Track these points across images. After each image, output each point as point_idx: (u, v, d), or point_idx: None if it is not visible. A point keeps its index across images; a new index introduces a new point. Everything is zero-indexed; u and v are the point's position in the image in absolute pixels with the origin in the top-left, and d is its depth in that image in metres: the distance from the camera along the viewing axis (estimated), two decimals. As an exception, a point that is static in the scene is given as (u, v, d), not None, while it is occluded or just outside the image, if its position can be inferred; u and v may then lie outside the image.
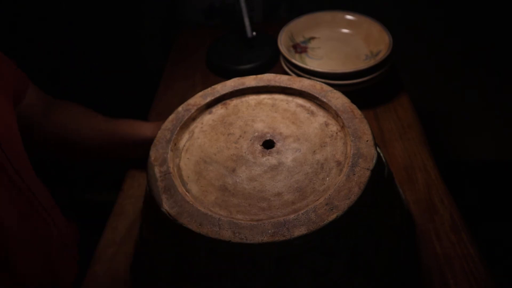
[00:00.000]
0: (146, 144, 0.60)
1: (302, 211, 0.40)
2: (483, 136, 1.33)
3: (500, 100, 1.25)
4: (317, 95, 0.52)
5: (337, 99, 0.51)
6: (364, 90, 0.73)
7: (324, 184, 0.44)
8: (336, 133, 0.49)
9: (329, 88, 0.53)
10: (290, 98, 0.54)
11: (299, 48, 0.81)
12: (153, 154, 0.48)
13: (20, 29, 1.00)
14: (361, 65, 0.73)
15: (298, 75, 0.73)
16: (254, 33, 0.87)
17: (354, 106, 0.50)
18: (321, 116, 0.52)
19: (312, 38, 0.83)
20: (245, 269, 0.40)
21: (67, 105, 0.65)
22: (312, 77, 0.71)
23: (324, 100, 0.51)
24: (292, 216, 0.40)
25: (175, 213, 0.41)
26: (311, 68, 0.71)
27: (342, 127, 0.49)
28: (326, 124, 0.51)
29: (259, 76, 0.56)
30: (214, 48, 0.90)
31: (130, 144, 0.64)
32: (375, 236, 0.43)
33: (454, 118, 1.30)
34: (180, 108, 0.53)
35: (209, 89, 0.55)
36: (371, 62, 0.72)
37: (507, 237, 1.17)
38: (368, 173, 0.42)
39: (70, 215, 0.64)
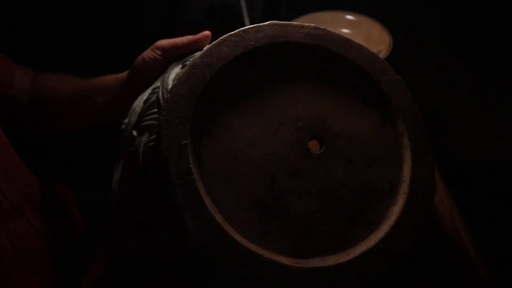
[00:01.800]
0: (120, 84, 0.56)
1: (354, 255, 0.34)
2: (483, 136, 1.33)
3: (500, 100, 1.25)
4: (377, 79, 0.40)
5: (399, 91, 0.40)
6: (364, 90, 0.73)
7: (375, 214, 0.37)
8: (393, 141, 0.40)
9: (392, 71, 0.41)
10: (341, 73, 0.41)
11: (299, 48, 0.81)
12: (165, 138, 0.34)
13: (20, 29, 1.00)
14: (361, 65, 0.73)
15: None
16: (254, 33, 0.87)
17: (418, 108, 0.40)
18: (376, 111, 0.40)
19: (312, 38, 0.83)
20: None
21: (54, 76, 0.64)
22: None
23: (385, 89, 0.40)
24: (343, 259, 0.34)
25: (206, 243, 0.32)
26: (311, 68, 0.71)
27: (401, 134, 0.40)
28: (383, 124, 0.40)
29: (306, 26, 0.41)
30: (214, 48, 0.90)
31: (103, 88, 0.59)
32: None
33: (454, 118, 1.30)
34: (198, 60, 0.37)
35: (236, 33, 0.39)
36: (371, 62, 0.72)
37: (507, 237, 1.17)
38: (425, 211, 0.36)
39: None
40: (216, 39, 0.39)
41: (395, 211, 0.37)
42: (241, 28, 0.39)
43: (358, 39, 0.84)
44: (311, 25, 0.41)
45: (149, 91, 0.43)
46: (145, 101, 0.41)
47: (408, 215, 0.36)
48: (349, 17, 0.83)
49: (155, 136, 0.36)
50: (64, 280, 0.56)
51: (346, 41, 0.41)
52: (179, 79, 0.36)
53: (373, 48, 0.78)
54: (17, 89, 0.60)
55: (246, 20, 0.86)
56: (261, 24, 0.40)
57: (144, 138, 0.38)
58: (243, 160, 0.36)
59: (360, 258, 0.34)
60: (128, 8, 1.03)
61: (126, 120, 0.43)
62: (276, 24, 0.40)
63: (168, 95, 0.35)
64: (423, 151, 0.38)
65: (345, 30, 0.84)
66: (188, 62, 0.40)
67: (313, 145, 0.39)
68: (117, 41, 1.06)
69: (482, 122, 1.29)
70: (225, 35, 0.39)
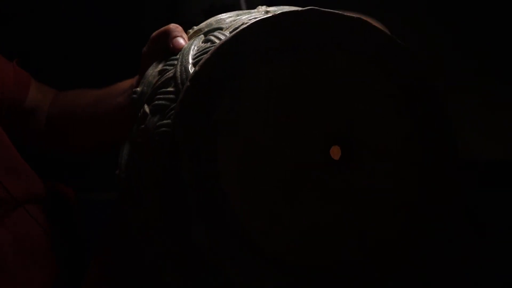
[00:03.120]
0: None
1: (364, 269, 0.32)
2: (483, 136, 1.33)
3: (500, 100, 1.25)
4: (422, 93, 0.35)
5: (435, 104, 0.35)
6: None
7: (392, 232, 0.34)
8: (422, 155, 0.35)
9: (436, 84, 0.36)
10: (382, 75, 0.36)
11: (299, 48, 0.81)
12: (180, 136, 0.30)
13: (20, 28, 1.00)
14: (361, 65, 0.73)
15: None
16: (254, 33, 0.87)
17: (452, 125, 0.37)
18: (409, 120, 0.35)
19: (312, 38, 0.83)
20: None
21: (72, 91, 0.64)
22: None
23: (421, 101, 0.35)
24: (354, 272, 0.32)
25: (214, 255, 0.29)
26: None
27: (429, 149, 0.35)
28: (412, 137, 0.35)
29: (356, 18, 0.36)
30: (214, 48, 0.90)
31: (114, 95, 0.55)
32: None
33: (454, 118, 1.30)
34: (230, 36, 0.32)
35: (276, 16, 0.33)
36: (371, 62, 0.72)
37: (507, 237, 1.17)
38: (448, 229, 0.34)
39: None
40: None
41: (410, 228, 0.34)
42: (279, 7, 0.35)
43: (358, 39, 0.84)
44: (367, 22, 0.36)
45: (164, 61, 0.40)
46: (160, 72, 0.38)
47: (431, 249, 0.34)
48: (349, 17, 0.83)
49: (169, 121, 0.33)
50: (64, 275, 0.56)
51: (388, 37, 0.36)
52: (202, 66, 0.31)
53: (373, 48, 0.78)
54: (33, 105, 0.59)
55: (246, 20, 0.86)
56: (301, 10, 0.35)
57: (157, 119, 0.35)
58: (264, 163, 0.33)
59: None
60: (128, 8, 1.03)
61: (139, 89, 0.39)
62: (320, 12, 0.35)
63: (188, 83, 0.31)
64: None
65: (345, 30, 0.83)
66: (212, 36, 0.35)
67: (335, 152, 0.35)
68: (118, 41, 1.06)
69: (482, 122, 1.29)
70: (258, 11, 0.35)
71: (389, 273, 0.33)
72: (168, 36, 0.41)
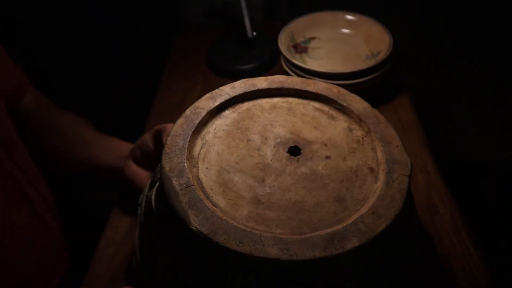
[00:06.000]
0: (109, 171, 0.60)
1: (349, 222, 0.38)
2: (483, 136, 1.33)
3: (500, 100, 1.25)
4: (335, 99, 0.50)
5: (357, 103, 0.50)
6: (365, 90, 0.73)
7: (362, 192, 0.42)
8: (362, 138, 0.48)
9: (346, 91, 0.51)
10: (305, 102, 0.52)
11: (300, 48, 0.81)
12: (166, 163, 0.43)
13: (21, 28, 1.00)
14: (362, 65, 0.73)
15: (299, 75, 0.73)
16: (255, 33, 0.87)
17: (376, 111, 0.49)
18: (342, 121, 0.50)
19: (313, 38, 0.83)
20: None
21: (66, 116, 0.66)
22: (312, 77, 0.71)
23: (344, 104, 0.50)
24: (339, 227, 0.38)
25: (208, 231, 0.37)
26: (312, 68, 0.71)
27: (368, 132, 0.47)
28: (350, 129, 0.49)
29: (269, 77, 0.53)
30: (214, 49, 0.90)
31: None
32: (407, 240, 0.43)
33: (454, 118, 1.30)
34: (188, 112, 0.48)
35: (216, 90, 0.51)
36: (372, 62, 0.72)
37: (507, 237, 1.17)
38: (406, 180, 0.42)
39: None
40: (216, 39, 0.43)
41: (379, 185, 0.42)
42: (219, 88, 0.51)
43: (358, 39, 0.84)
44: (273, 76, 0.53)
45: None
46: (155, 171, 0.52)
47: (391, 185, 0.41)
48: (349, 17, 0.83)
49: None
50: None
51: (303, 81, 0.53)
52: (175, 126, 0.47)
53: (374, 48, 0.78)
54: (27, 109, 0.62)
55: (246, 20, 0.86)
56: (235, 82, 0.52)
57: (155, 188, 0.47)
58: (234, 172, 0.44)
59: (355, 224, 0.38)
60: (128, 8, 1.03)
61: (142, 196, 0.52)
62: (246, 80, 0.52)
63: (168, 138, 0.45)
64: (390, 139, 0.46)
65: (345, 30, 0.84)
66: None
67: (295, 151, 0.47)
68: (118, 41, 1.06)
69: (482, 122, 1.29)
70: (207, 94, 0.50)
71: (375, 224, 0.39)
72: (164, 132, 0.53)
